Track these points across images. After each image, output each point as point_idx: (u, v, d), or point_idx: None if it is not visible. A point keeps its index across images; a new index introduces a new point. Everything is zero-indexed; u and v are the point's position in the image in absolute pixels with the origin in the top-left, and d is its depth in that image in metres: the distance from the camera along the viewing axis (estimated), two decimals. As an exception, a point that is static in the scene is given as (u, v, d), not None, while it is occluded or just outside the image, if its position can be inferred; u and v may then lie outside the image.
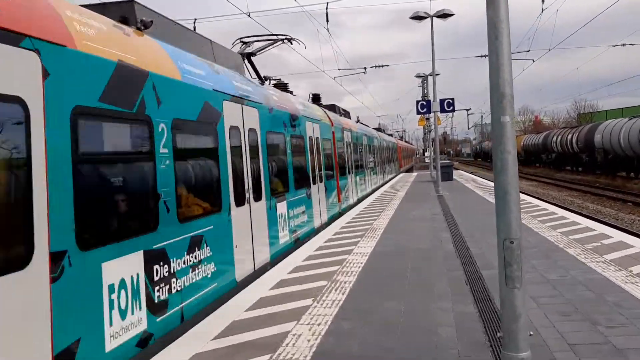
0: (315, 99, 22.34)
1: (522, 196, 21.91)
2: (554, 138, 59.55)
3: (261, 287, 8.32)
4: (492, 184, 31.34)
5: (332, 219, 17.00)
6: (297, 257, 10.73)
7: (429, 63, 26.50)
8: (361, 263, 9.84)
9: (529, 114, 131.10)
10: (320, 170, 16.09)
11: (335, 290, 7.95)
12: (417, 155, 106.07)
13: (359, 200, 23.86)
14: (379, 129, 50.24)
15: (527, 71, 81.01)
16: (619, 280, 7.72)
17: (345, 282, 8.39)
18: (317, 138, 16.06)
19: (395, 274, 8.87)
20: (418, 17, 24.80)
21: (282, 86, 16.25)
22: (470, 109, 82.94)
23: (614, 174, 42.29)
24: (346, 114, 27.57)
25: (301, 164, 13.94)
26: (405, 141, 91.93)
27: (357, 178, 24.49)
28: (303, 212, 13.40)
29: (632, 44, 29.29)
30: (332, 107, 24.04)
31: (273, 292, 7.99)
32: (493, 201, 16.48)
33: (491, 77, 4.46)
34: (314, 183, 15.12)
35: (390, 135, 72.98)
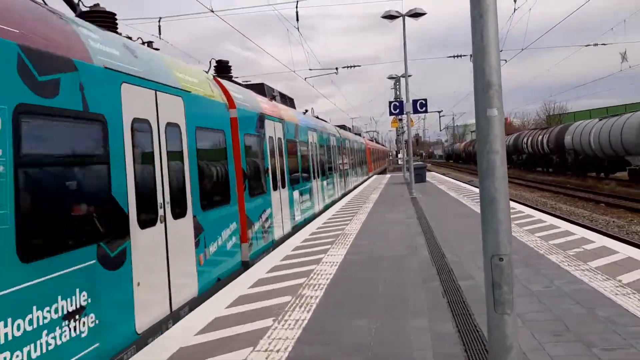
0: (222, 69, 13.35)
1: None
2: (525, 139, 59.72)
3: (217, 305, 7.49)
4: (465, 185, 31.32)
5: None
6: (261, 268, 9.92)
7: (401, 65, 25.92)
8: (330, 274, 9.08)
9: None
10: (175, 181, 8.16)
11: (300, 307, 7.16)
12: (391, 157, 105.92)
13: (307, 222, 17.42)
14: (343, 127, 38.69)
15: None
16: (608, 291, 7.09)
17: (311, 298, 7.61)
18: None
19: (366, 286, 8.13)
20: (390, 17, 24.22)
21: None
22: (442, 110, 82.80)
23: (585, 175, 42.35)
24: (288, 101, 19.29)
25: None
26: (376, 141, 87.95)
27: (298, 191, 16.87)
28: None
29: (604, 44, 29.05)
30: (260, 87, 15.93)
31: (230, 311, 7.17)
32: (467, 203, 15.75)
33: (475, 62, 3.75)
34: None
35: (359, 134, 66.84)
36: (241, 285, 8.62)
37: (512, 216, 15.06)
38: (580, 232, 11.92)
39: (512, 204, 18.93)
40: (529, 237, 11.59)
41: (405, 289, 7.87)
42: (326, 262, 10.05)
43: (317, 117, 27.82)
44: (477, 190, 26.08)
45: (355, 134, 53.73)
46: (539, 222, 14.29)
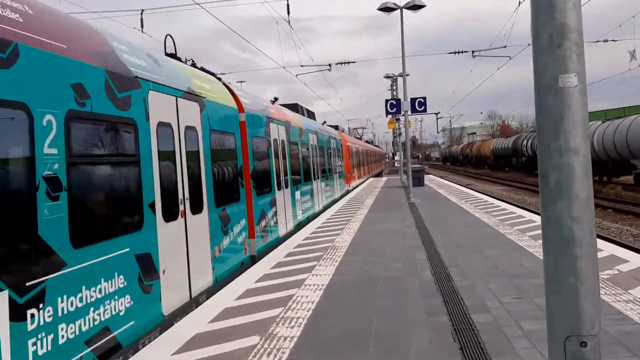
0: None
1: (498, 202, 19.83)
2: (525, 142, 58.29)
3: (165, 348, 5.85)
4: (465, 190, 29.78)
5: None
6: (231, 293, 8.27)
7: (397, 66, 24.36)
8: (312, 302, 7.43)
9: (497, 118, 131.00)
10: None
11: (269, 355, 5.51)
12: (387, 160, 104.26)
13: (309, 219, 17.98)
14: (336, 127, 36.01)
15: (494, 76, 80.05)
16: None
17: (285, 339, 5.95)
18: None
19: (356, 322, 6.49)
20: (387, 9, 22.64)
21: None
22: (439, 112, 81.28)
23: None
24: (308, 113, 23.21)
25: None
26: (366, 141, 77.66)
27: (300, 191, 17.05)
28: None
29: (615, 40, 27.46)
30: (294, 106, 20.85)
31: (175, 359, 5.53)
32: (470, 210, 13.56)
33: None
34: None
35: (337, 128, 59.89)
36: (201, 316, 6.95)
37: (513, 221, 13.51)
38: (605, 246, 10.30)
39: (514, 209, 17.35)
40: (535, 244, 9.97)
41: (405, 327, 6.23)
42: (309, 286, 8.40)
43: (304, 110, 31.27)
44: (479, 195, 24.63)
45: (356, 137, 53.65)
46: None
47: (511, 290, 7.56)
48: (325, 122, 33.18)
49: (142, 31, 24.34)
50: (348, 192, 31.20)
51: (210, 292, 8.50)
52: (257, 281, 8.91)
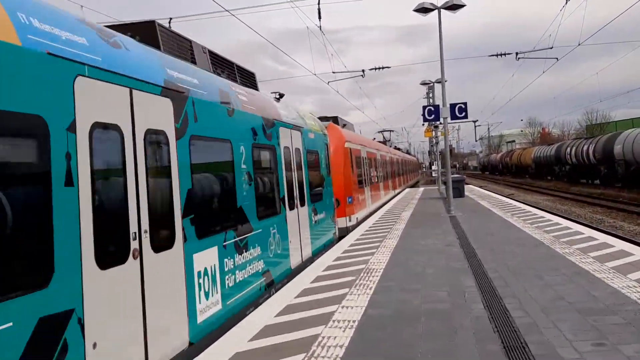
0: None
1: (547, 215, 18.18)
2: (568, 149, 55.88)
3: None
4: (508, 201, 27.87)
5: None
6: (247, 329, 7.03)
7: (433, 75, 22.94)
8: (341, 347, 6.12)
9: (537, 125, 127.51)
10: None
11: None
12: (424, 169, 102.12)
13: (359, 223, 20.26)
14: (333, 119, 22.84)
15: (535, 82, 77.45)
16: None
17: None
18: None
19: (395, 375, 5.16)
20: (424, 10, 21.25)
21: None
22: (477, 120, 79.14)
23: (639, 188, 38.46)
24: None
25: None
26: (396, 147, 65.57)
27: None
28: None
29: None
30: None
31: None
32: (519, 225, 11.56)
33: None
34: None
35: (336, 121, 48.05)
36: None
37: (570, 238, 11.95)
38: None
39: (568, 223, 15.75)
40: (612, 275, 8.45)
41: (457, 385, 4.87)
42: (337, 322, 7.09)
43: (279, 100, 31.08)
44: (524, 207, 22.90)
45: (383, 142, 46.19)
46: (605, 246, 11.26)
47: (586, 332, 6.12)
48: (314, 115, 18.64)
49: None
50: (339, 238, 16.35)
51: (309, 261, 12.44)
52: (278, 314, 7.64)
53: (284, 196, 11.17)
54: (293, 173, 12.00)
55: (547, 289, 8.13)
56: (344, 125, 22.53)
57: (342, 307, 7.83)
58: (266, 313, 7.77)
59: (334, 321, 7.13)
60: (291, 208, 11.71)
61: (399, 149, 66.29)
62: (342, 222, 18.34)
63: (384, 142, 48.67)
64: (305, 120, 14.27)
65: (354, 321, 7.08)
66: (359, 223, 20.16)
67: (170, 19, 24.70)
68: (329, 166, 16.21)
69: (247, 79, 11.55)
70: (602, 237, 12.68)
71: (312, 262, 12.08)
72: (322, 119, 19.89)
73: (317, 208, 13.92)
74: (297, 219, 12.14)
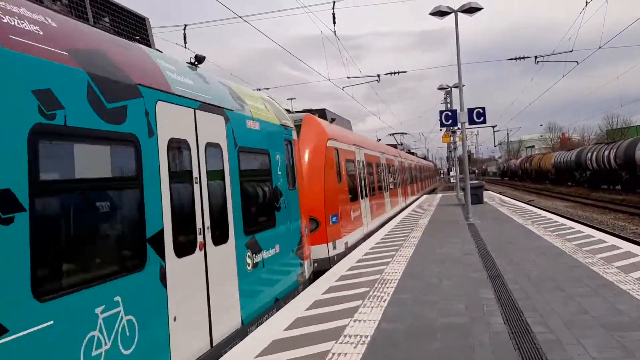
0: None
1: (568, 222, 17.68)
2: (589, 154, 54.90)
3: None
4: (529, 207, 27.20)
5: None
6: (255, 344, 6.74)
7: (450, 80, 22.52)
8: (351, 365, 5.81)
9: (557, 130, 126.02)
10: None
11: None
12: (442, 175, 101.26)
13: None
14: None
15: (554, 87, 76.48)
16: None
17: None
18: None
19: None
20: (440, 13, 20.90)
21: None
22: (496, 125, 78.25)
23: (662, 194, 37.62)
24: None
25: None
26: (409, 151, 54.87)
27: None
28: None
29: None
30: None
31: None
32: (540, 233, 11.04)
33: None
34: None
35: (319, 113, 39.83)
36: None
37: (593, 247, 11.48)
38: None
39: (590, 230, 15.26)
40: (628, 279, 8.03)
41: (475, 409, 4.54)
42: (349, 338, 6.77)
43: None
44: (545, 213, 22.35)
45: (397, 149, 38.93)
46: (629, 255, 10.83)
47: (612, 349, 5.74)
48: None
49: (185, 47, 23.49)
50: (319, 273, 12.07)
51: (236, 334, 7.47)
52: (287, 328, 7.35)
53: (157, 233, 5.84)
54: (196, 186, 6.79)
55: (570, 302, 7.73)
56: (332, 120, 17.39)
57: (355, 320, 7.52)
58: (275, 326, 7.47)
59: (345, 336, 6.81)
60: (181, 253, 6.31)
61: (413, 154, 58.22)
62: (321, 251, 13.20)
63: (395, 145, 41.72)
64: (245, 102, 9.15)
65: (366, 336, 6.76)
66: (350, 249, 15.10)
67: (185, 25, 24.68)
68: (295, 174, 11.06)
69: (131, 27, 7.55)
70: (625, 246, 12.20)
71: (243, 336, 7.42)
72: (307, 111, 16.51)
73: (260, 241, 8.65)
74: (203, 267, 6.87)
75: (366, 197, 19.49)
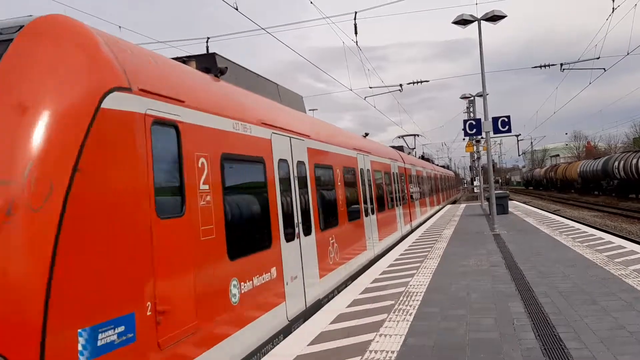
0: None
1: (597, 232, 17.24)
2: (616, 163, 53.90)
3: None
4: (555, 217, 26.61)
5: None
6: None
7: (473, 89, 22.22)
8: (378, 382, 5.61)
9: (582, 139, 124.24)
10: None
11: None
12: (465, 185, 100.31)
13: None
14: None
15: (579, 95, 75.33)
16: None
17: None
18: None
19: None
20: (463, 21, 20.67)
21: None
22: (520, 134, 77.29)
23: (694, 202, 36.66)
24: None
25: None
26: (422, 157, 48.48)
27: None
28: None
29: None
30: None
31: None
32: (568, 244, 10.64)
33: None
34: None
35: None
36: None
37: (625, 258, 11.05)
38: None
39: (620, 241, 14.82)
40: (686, 306, 7.68)
41: None
42: (376, 353, 6.57)
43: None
44: (572, 223, 21.85)
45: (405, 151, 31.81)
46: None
47: (654, 368, 5.46)
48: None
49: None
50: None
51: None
52: (311, 343, 7.17)
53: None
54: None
55: (605, 317, 7.43)
56: (222, 72, 8.18)
57: (380, 335, 7.31)
58: (300, 341, 7.30)
59: (370, 352, 6.61)
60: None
61: (428, 160, 48.08)
62: None
63: (401, 147, 31.54)
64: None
65: (392, 352, 6.55)
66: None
67: (208, 38, 24.76)
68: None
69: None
70: (661, 257, 11.80)
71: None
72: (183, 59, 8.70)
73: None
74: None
75: (335, 240, 11.88)
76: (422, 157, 46.99)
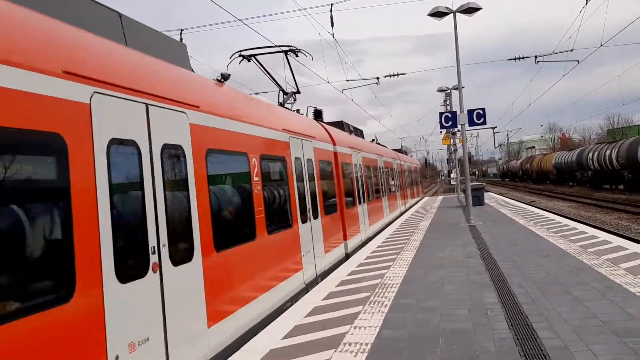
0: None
1: (571, 223, 17.45)
2: (590, 154, 54.66)
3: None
4: (530, 208, 26.88)
5: None
6: (250, 356, 6.50)
7: (451, 82, 22.28)
8: (351, 375, 5.57)
9: (557, 131, 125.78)
10: None
11: None
12: (442, 178, 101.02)
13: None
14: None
15: (554, 87, 76.22)
16: None
17: None
18: None
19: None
20: (439, 14, 20.68)
21: None
22: (496, 127, 78.00)
23: (666, 193, 37.35)
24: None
25: None
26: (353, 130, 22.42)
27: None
28: None
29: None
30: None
31: None
32: (542, 234, 10.75)
33: None
34: None
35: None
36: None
37: (598, 248, 11.17)
38: None
39: (594, 231, 15.02)
40: (637, 282, 7.78)
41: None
42: (350, 345, 6.54)
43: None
44: (547, 214, 22.09)
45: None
46: (636, 256, 10.66)
47: (626, 356, 5.49)
48: None
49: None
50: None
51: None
52: (285, 336, 7.11)
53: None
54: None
55: (578, 306, 7.49)
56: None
57: (355, 327, 7.28)
58: (274, 335, 7.24)
59: (345, 344, 6.57)
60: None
61: (381, 145, 30.98)
62: None
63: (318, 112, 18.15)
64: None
65: (366, 344, 6.52)
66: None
67: (182, 30, 24.41)
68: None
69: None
70: (632, 247, 11.95)
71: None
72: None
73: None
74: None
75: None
76: (353, 131, 31.88)
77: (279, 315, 8.35)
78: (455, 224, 20.05)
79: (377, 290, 9.52)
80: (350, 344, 6.55)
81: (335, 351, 6.33)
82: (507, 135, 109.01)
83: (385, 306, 8.32)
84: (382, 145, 31.15)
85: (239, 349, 6.81)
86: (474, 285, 9.36)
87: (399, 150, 43.11)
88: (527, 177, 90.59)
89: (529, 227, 17.21)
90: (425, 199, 44.75)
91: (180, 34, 24.50)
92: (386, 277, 10.61)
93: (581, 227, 16.37)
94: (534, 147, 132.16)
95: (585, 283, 8.81)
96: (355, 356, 6.11)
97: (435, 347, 6.23)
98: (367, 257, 13.45)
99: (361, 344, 6.52)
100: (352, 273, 11.43)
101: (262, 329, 7.65)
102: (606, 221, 27.55)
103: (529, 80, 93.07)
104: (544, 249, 12.54)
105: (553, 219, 19.31)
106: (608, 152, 49.02)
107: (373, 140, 29.26)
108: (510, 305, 7.82)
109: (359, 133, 23.22)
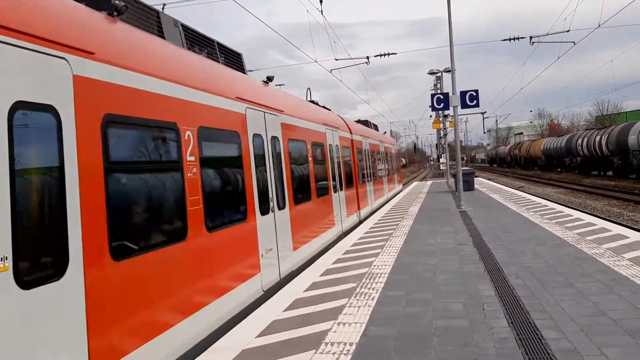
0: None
1: (565, 209, 16.86)
2: (579, 141, 54.29)
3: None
4: (521, 194, 26.27)
5: None
6: (221, 356, 5.78)
7: (442, 66, 21.49)
8: (333, 383, 4.86)
9: (547, 117, 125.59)
10: None
11: None
12: (432, 162, 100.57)
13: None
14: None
15: (545, 72, 75.78)
16: None
17: None
18: None
19: None
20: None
21: None
22: (485, 112, 77.43)
23: (655, 179, 37.01)
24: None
25: None
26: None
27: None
28: None
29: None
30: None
31: None
32: (536, 220, 9.89)
33: None
34: None
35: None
36: None
37: (597, 236, 10.44)
38: None
39: (590, 218, 14.42)
40: (667, 287, 7.13)
41: None
42: (333, 345, 5.83)
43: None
44: (538, 200, 21.52)
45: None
46: (639, 245, 9.89)
47: (643, 361, 4.83)
48: None
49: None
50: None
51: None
52: (260, 334, 6.39)
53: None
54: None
55: (583, 301, 6.83)
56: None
57: (339, 323, 6.57)
58: (249, 331, 6.51)
59: (326, 344, 5.86)
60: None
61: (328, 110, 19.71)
62: None
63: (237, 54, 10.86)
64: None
65: (351, 344, 5.81)
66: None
67: (164, 5, 23.39)
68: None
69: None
70: (633, 235, 11.34)
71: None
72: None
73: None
74: None
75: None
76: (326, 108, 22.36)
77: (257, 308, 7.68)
78: (446, 210, 19.40)
79: (364, 280, 8.82)
80: (332, 344, 5.84)
81: (315, 352, 5.62)
82: (497, 120, 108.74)
83: (372, 299, 7.62)
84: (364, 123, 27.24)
85: (208, 346, 6.09)
86: (468, 275, 8.69)
87: (364, 123, 27.21)
88: (515, 163, 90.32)
89: (522, 213, 16.59)
90: (415, 183, 44.13)
91: (163, 8, 23.49)
92: (374, 266, 9.91)
93: (576, 213, 15.77)
94: (522, 133, 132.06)
95: (588, 274, 8.16)
96: (338, 357, 5.40)
97: (428, 348, 5.53)
98: (354, 244, 12.76)
99: (345, 344, 5.81)
100: (337, 261, 10.72)
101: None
102: (597, 207, 27.07)
103: (521, 65, 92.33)
104: (539, 237, 11.90)
105: (546, 205, 18.72)
106: (598, 138, 48.63)
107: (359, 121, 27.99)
108: (509, 299, 7.15)
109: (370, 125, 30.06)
